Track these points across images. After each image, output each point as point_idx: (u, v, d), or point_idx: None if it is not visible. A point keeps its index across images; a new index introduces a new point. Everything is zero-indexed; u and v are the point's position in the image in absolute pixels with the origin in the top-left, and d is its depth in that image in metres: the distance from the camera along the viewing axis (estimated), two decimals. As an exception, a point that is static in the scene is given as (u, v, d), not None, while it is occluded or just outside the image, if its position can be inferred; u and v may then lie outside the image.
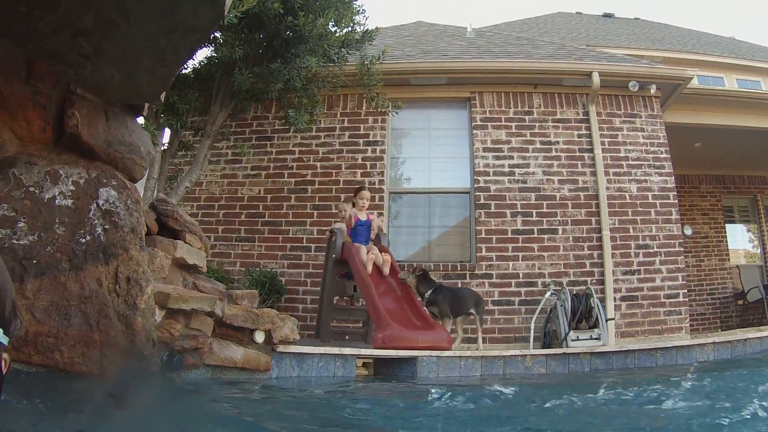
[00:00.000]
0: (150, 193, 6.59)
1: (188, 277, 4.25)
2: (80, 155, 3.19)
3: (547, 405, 3.54)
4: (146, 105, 3.78)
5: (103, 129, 3.26)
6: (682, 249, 8.63)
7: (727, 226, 13.68)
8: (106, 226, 3.05)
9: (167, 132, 7.56)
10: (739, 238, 14.06)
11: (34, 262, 2.76)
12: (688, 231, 12.53)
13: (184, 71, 7.35)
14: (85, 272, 2.92)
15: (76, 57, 2.98)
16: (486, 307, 7.91)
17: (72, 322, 2.83)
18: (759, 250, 13.87)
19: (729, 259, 13.42)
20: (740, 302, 12.76)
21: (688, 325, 8.24)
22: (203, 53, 8.40)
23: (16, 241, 2.75)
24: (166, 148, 7.38)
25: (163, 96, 3.92)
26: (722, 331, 10.62)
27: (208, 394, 3.69)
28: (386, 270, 6.87)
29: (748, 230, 14.14)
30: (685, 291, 8.41)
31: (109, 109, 3.33)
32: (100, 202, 3.08)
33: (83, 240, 2.97)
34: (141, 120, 4.14)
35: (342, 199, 8.17)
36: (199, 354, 3.87)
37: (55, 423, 2.33)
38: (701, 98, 10.03)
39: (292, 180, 8.81)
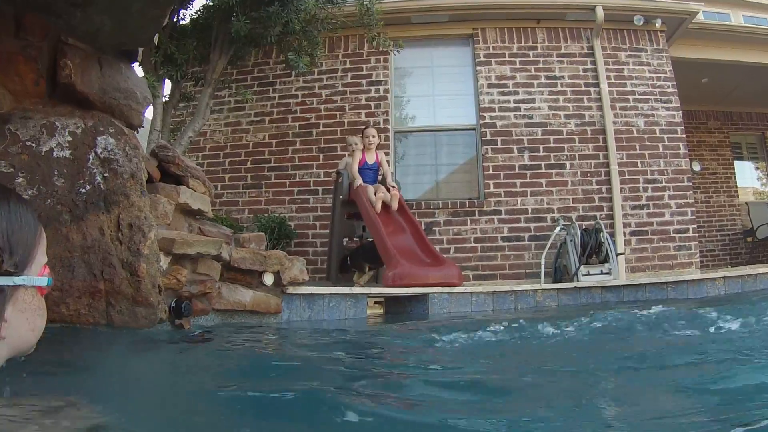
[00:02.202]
0: (153, 145, 6.56)
1: (193, 223, 4.25)
2: (76, 105, 3.16)
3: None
4: (140, 50, 3.73)
5: (97, 77, 3.22)
6: (691, 184, 8.56)
7: (736, 163, 13.39)
8: (106, 174, 3.04)
9: (168, 84, 7.48)
10: (748, 176, 13.80)
11: (35, 216, 2.75)
12: (697, 167, 12.39)
13: (181, 22, 7.26)
14: (87, 222, 2.93)
15: (65, 6, 2.92)
16: (495, 244, 7.95)
17: (76, 273, 2.85)
18: (768, 188, 13.74)
19: (738, 196, 13.20)
20: (749, 239, 12.61)
21: (698, 260, 8.24)
22: (200, 2, 8.25)
23: (15, 197, 2.74)
24: (167, 100, 7.30)
25: (156, 38, 3.86)
26: (732, 267, 10.57)
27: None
28: (394, 205, 6.79)
29: (757, 168, 13.91)
30: (695, 226, 8.38)
31: (103, 57, 3.28)
32: (99, 150, 3.06)
33: (83, 190, 2.97)
34: (137, 67, 4.09)
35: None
36: (208, 299, 3.89)
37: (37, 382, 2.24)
38: (707, 33, 9.79)
39: (296, 124, 8.72)
